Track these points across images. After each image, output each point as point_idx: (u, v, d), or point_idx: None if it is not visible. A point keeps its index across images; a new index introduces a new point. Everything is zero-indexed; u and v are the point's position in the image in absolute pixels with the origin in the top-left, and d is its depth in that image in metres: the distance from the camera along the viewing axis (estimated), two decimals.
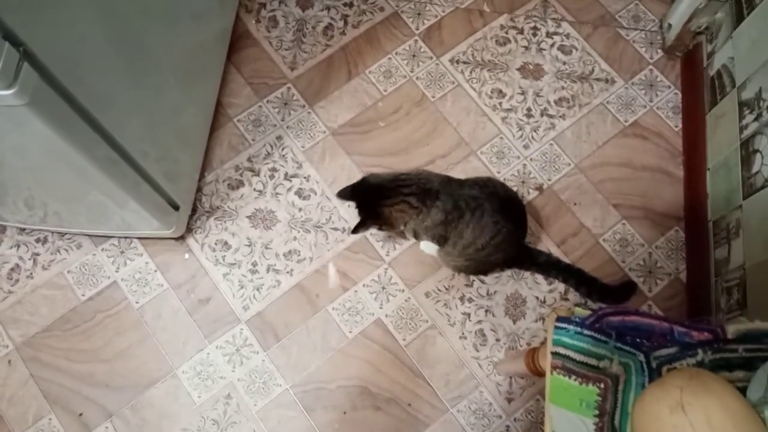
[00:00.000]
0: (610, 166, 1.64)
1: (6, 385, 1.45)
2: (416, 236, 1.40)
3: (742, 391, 0.81)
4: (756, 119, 1.35)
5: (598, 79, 1.73)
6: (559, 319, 0.90)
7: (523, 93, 1.71)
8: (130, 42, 1.21)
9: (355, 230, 1.35)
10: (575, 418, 0.84)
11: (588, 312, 0.90)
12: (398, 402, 1.44)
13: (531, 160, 1.65)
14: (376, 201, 1.32)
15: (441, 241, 1.36)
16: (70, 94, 1.00)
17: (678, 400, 0.74)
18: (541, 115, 1.69)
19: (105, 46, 1.12)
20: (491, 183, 1.36)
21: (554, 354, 0.88)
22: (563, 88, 1.72)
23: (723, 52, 1.53)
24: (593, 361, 0.87)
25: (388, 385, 1.46)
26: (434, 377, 1.46)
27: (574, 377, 0.86)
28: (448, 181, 1.35)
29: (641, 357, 0.87)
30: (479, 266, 1.47)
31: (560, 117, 1.69)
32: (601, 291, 1.44)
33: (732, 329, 0.89)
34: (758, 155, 1.33)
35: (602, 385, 0.86)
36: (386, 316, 1.51)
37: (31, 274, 1.53)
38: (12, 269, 1.54)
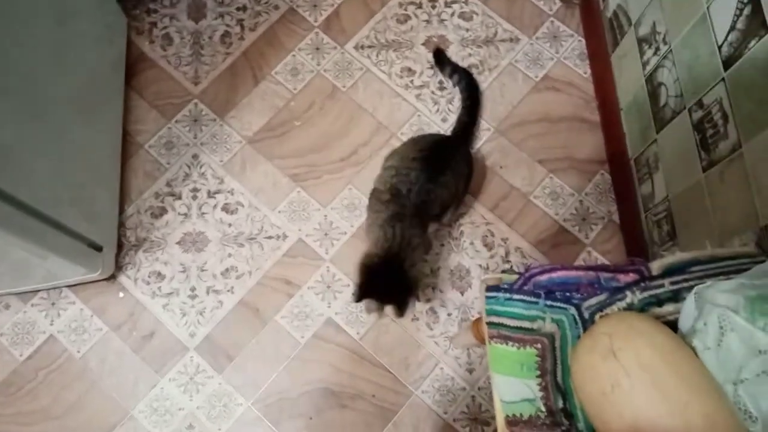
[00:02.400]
0: (528, 124, 1.65)
1: None
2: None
3: (676, 323, 0.83)
4: (655, 53, 1.37)
5: (502, 40, 1.73)
6: (489, 288, 0.90)
7: (432, 67, 1.70)
8: (15, 88, 1.15)
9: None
10: (519, 383, 0.84)
11: (515, 276, 0.91)
12: (362, 396, 1.44)
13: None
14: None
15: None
16: None
17: (608, 347, 0.75)
18: (454, 85, 1.69)
19: None
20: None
21: (489, 324, 0.88)
22: (470, 55, 1.71)
23: None
24: (527, 324, 0.87)
25: (350, 382, 1.45)
26: (393, 364, 1.46)
27: (511, 343, 0.86)
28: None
29: (572, 310, 0.88)
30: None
31: None
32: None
33: (656, 265, 0.90)
34: (663, 88, 1.35)
35: (539, 346, 0.86)
36: (336, 313, 1.49)
37: None
38: None
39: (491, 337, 0.87)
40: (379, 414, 1.43)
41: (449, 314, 1.50)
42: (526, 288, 0.89)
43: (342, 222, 1.56)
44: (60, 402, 1.43)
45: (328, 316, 1.49)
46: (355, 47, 1.72)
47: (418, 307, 1.50)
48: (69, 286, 1.49)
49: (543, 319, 0.87)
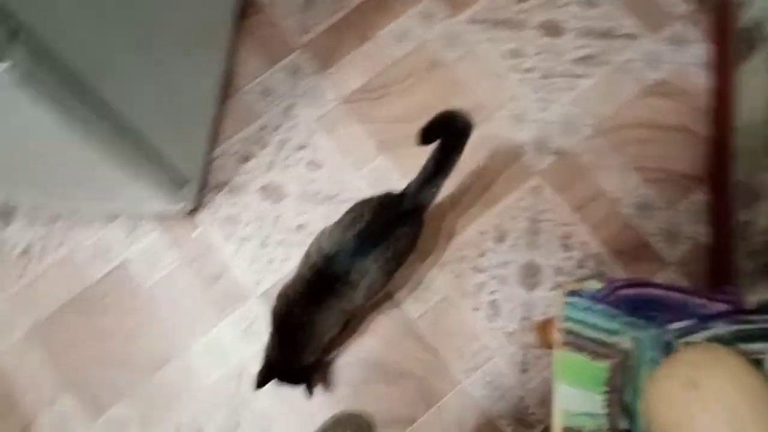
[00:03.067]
0: (632, 128, 1.56)
1: (20, 368, 1.47)
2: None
3: (762, 363, 0.77)
4: None
5: (621, 36, 1.64)
6: (570, 293, 0.86)
7: (541, 53, 1.64)
8: (132, 10, 1.18)
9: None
10: (584, 395, 0.81)
11: (600, 285, 0.86)
12: (410, 375, 1.43)
13: (549, 123, 1.58)
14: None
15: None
16: (66, 67, 0.98)
17: (690, 377, 0.70)
18: (561, 75, 1.62)
19: (105, 15, 1.09)
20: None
21: (564, 329, 0.84)
22: (584, 46, 1.63)
23: (753, 3, 1.43)
24: (604, 336, 0.83)
25: (401, 359, 1.44)
26: (447, 349, 1.44)
27: (584, 353, 0.83)
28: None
29: (654, 331, 0.83)
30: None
31: (580, 77, 1.61)
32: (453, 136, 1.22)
33: (752, 299, 0.84)
34: None
35: (612, 361, 0.82)
36: (400, 289, 1.48)
37: (42, 255, 1.54)
38: (23, 252, 1.54)
39: (564, 343, 0.84)
40: (425, 396, 1.41)
41: (512, 310, 1.46)
42: (609, 300, 0.85)
43: None
44: (123, 326, 1.49)
45: (389, 291, 1.48)
46: (467, 20, 1.67)
47: (482, 298, 1.46)
48: (150, 216, 1.54)
49: (622, 334, 0.83)
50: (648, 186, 1.51)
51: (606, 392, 0.81)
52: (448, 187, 1.50)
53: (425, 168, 1.24)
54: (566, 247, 1.49)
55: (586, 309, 0.84)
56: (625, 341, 0.82)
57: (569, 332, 0.84)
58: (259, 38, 1.68)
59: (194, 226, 1.54)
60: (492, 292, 1.47)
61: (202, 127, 1.55)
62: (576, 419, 0.80)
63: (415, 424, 1.40)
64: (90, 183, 1.34)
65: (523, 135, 1.58)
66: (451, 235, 1.50)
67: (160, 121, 1.32)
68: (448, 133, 1.22)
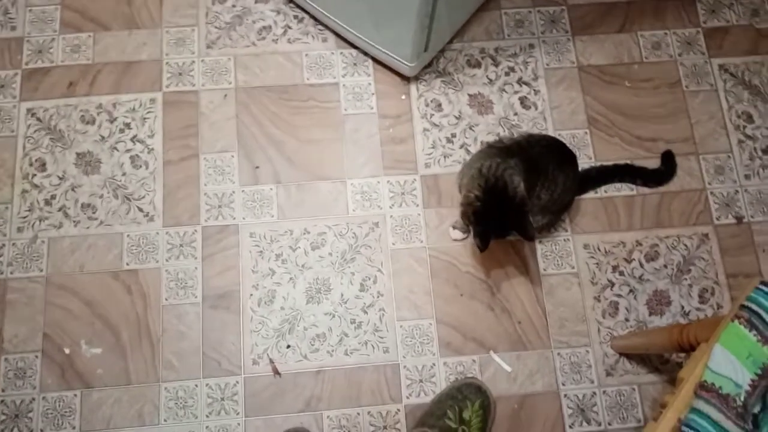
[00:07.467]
0: None
1: (214, 111, 1.60)
2: None
3: None
4: None
5: None
6: (763, 282, 0.90)
7: None
8: None
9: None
10: (737, 364, 0.85)
11: None
12: (511, 314, 1.49)
13: (745, 191, 1.61)
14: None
15: None
16: None
17: None
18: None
19: None
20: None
21: (745, 306, 0.89)
22: None
23: None
24: None
25: (510, 297, 1.50)
26: (553, 315, 1.49)
27: (754, 332, 0.87)
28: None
29: None
30: (557, 215, 1.51)
31: None
32: (649, 175, 1.59)
33: None
34: None
35: None
36: (539, 242, 1.55)
37: (277, 40, 1.67)
38: (264, 27, 1.68)
39: (738, 317, 0.88)
40: (512, 338, 1.47)
41: (626, 319, 1.50)
42: None
43: None
44: (308, 131, 1.60)
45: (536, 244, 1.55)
46: (720, 66, 1.72)
47: (606, 294, 1.51)
48: (376, 61, 1.65)
49: None
50: None
51: (757, 375, 0.85)
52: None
53: (598, 168, 1.58)
54: (702, 300, 1.52)
55: None
56: None
57: (749, 310, 0.88)
58: None
59: (404, 92, 1.65)
60: (618, 295, 1.51)
61: (457, 18, 1.64)
62: (718, 378, 0.84)
63: (490, 354, 1.46)
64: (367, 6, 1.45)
65: (717, 185, 1.61)
66: (612, 228, 1.56)
67: None
68: (647, 174, 1.59)
